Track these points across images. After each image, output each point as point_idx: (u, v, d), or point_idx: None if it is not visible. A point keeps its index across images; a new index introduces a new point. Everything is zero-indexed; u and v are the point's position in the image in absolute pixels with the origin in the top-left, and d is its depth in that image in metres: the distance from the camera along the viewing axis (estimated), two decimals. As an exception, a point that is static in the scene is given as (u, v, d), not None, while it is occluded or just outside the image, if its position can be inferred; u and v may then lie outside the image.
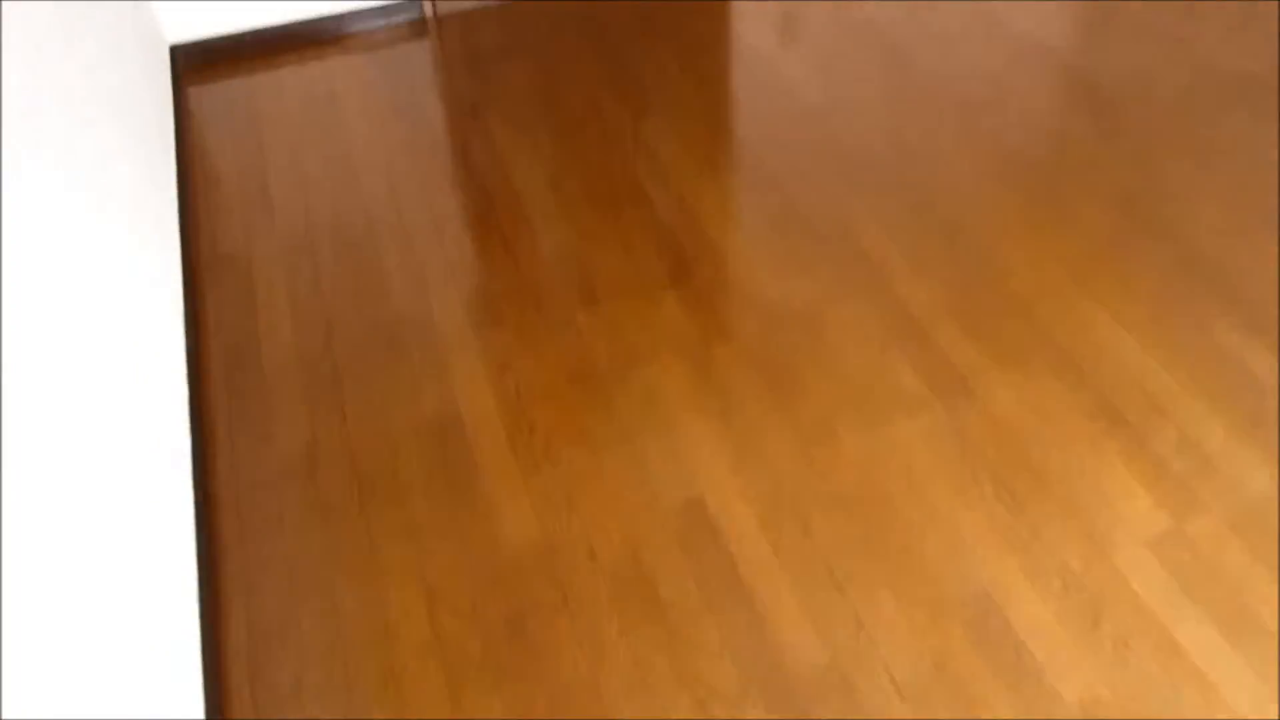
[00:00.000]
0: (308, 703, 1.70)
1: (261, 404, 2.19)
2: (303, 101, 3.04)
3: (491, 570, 1.87)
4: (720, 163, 2.73)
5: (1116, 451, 1.98)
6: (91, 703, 1.26)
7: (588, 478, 2.01)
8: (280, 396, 2.20)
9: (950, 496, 1.94)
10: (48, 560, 1.26)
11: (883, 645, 1.74)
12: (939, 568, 1.83)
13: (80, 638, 1.29)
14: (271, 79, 3.15)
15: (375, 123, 2.94)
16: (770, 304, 2.33)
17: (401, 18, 3.37)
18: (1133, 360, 2.14)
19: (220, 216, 2.67)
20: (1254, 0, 3.13)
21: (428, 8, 3.38)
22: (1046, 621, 1.74)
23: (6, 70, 1.61)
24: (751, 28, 3.23)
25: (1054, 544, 1.85)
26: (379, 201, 2.68)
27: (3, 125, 1.52)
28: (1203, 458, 1.96)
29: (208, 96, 3.09)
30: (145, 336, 1.97)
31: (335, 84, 3.11)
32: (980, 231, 2.47)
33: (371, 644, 1.78)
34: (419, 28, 3.35)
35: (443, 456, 2.06)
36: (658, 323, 2.31)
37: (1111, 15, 3.13)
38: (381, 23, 3.36)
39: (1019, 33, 3.09)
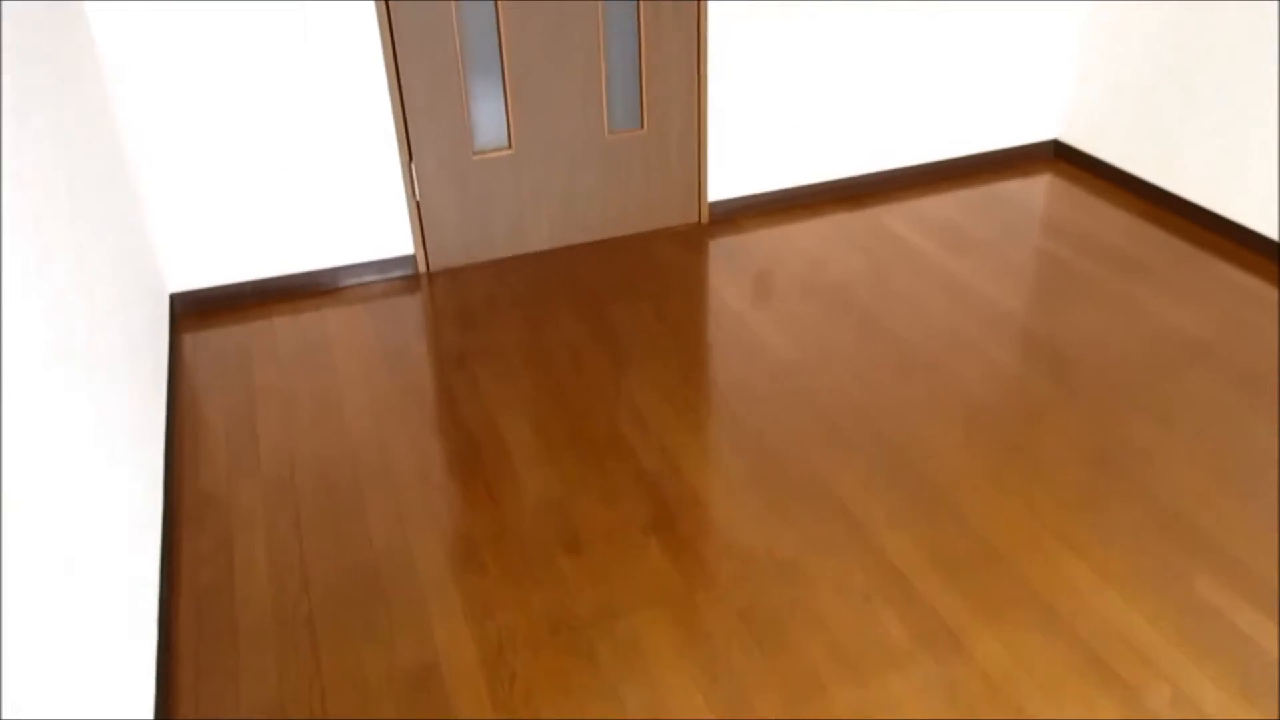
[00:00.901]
0: None
1: (231, 652, 2.11)
2: (295, 349, 3.14)
3: (466, 837, 1.75)
4: (699, 413, 2.81)
5: (1112, 709, 1.94)
6: None
7: (570, 734, 1.93)
8: (252, 644, 2.13)
9: (946, 757, 1.87)
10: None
11: None
12: (939, 836, 1.74)
13: None
14: (265, 327, 3.26)
15: (364, 370, 3.03)
16: (752, 553, 2.33)
17: (396, 273, 3.54)
18: (1117, 614, 2.14)
19: (205, 458, 2.68)
20: (1198, 266, 3.37)
21: (421, 263, 3.56)
22: None
23: (28, 314, 1.67)
24: (726, 288, 3.41)
25: (1057, 810, 1.77)
26: (365, 446, 2.71)
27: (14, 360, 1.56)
28: (1200, 716, 1.92)
29: (202, 342, 3.18)
30: (121, 577, 1.93)
31: (328, 333, 3.22)
32: (954, 484, 2.52)
33: None
34: (412, 282, 3.51)
35: (419, 707, 1.98)
36: (641, 571, 2.30)
37: (1065, 280, 3.35)
38: (376, 277, 3.52)
39: (978, 297, 3.29)
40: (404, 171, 3.40)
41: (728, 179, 3.85)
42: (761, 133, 3.79)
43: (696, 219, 3.88)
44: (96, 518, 1.86)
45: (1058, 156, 4.25)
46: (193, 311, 3.35)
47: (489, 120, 3.46)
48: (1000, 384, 2.88)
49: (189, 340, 3.20)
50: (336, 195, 3.36)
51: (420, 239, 3.53)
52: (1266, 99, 3.29)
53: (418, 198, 3.46)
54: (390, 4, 3.14)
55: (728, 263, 3.58)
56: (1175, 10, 3.56)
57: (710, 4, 3.49)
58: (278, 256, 3.39)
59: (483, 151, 3.49)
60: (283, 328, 3.25)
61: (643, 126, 3.64)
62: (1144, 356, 2.97)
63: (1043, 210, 3.85)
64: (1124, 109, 3.87)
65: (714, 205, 3.87)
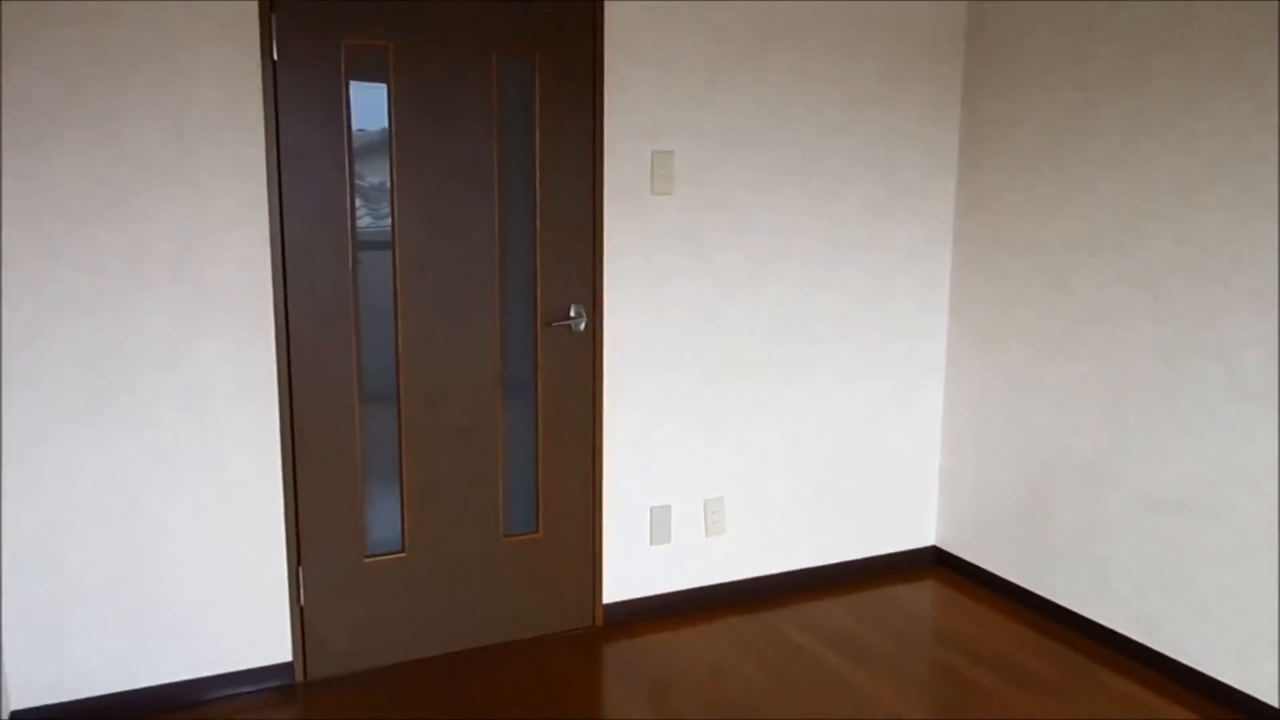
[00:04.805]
0: None
1: None
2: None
3: None
4: None
5: None
6: None
7: None
8: None
9: None
10: None
11: None
12: None
13: None
14: (114, 749, 2.93)
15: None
16: None
17: (270, 683, 3.29)
18: None
19: None
20: (1084, 675, 3.41)
21: (298, 672, 3.33)
22: None
23: None
24: (624, 700, 3.27)
25: None
26: None
27: None
28: None
29: (37, 770, 2.82)
30: None
31: (185, 756, 2.90)
32: None
33: None
34: (287, 693, 3.26)
35: None
36: None
37: (962, 692, 3.33)
38: (247, 688, 3.26)
39: (881, 709, 3.23)
40: (290, 577, 3.27)
41: (621, 582, 3.83)
42: (655, 536, 3.85)
43: (591, 622, 3.79)
44: None
45: (940, 563, 4.41)
46: (31, 731, 3.00)
47: (383, 523, 3.42)
48: (913, 812, 2.75)
49: (22, 767, 2.84)
50: (212, 602, 3.18)
51: (300, 647, 3.33)
52: (1123, 503, 3.54)
53: (302, 603, 3.31)
54: (295, 411, 3.19)
55: (624, 671, 3.46)
56: (1023, 423, 3.90)
57: (605, 431, 3.67)
58: (136, 667, 3.12)
59: (375, 555, 3.41)
60: (134, 751, 2.93)
61: (539, 530, 3.65)
62: (1052, 778, 2.91)
63: (931, 617, 3.92)
64: (990, 518, 4.10)
65: (609, 608, 3.81)
